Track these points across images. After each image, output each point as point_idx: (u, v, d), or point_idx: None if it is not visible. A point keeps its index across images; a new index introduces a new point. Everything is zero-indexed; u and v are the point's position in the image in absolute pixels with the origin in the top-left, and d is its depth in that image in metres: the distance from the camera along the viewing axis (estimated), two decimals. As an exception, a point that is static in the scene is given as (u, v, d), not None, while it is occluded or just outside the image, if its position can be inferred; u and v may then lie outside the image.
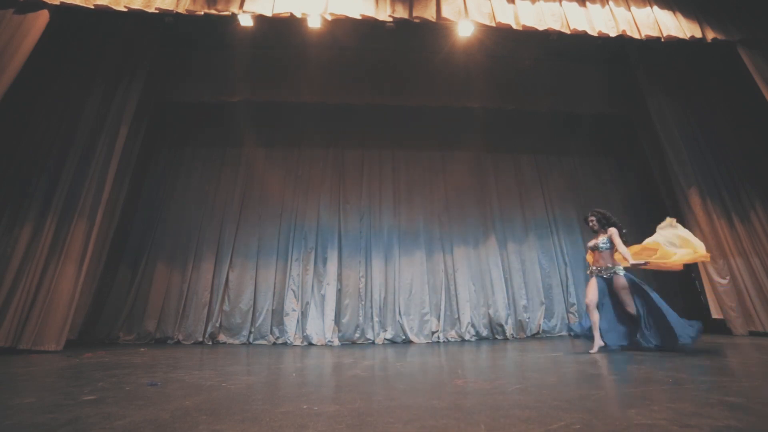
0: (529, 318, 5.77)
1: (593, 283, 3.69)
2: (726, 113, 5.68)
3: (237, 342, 5.32)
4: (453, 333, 5.56)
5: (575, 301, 5.94)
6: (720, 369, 2.47)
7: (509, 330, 5.60)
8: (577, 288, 6.02)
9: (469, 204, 6.50)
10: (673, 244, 3.45)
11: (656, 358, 2.94)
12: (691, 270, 5.72)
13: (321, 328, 5.40)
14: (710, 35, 5.07)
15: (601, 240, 3.75)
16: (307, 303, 5.59)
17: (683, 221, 5.48)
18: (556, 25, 4.83)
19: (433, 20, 4.68)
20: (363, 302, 5.66)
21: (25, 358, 3.52)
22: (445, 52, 5.90)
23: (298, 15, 4.55)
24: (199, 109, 6.37)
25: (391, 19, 4.69)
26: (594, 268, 3.80)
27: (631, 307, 3.53)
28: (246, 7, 4.57)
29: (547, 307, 5.92)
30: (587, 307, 3.64)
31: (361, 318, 5.55)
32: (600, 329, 3.57)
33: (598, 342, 3.49)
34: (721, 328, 4.91)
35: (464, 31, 5.03)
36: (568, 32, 4.85)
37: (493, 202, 6.55)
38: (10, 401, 1.84)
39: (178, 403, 1.75)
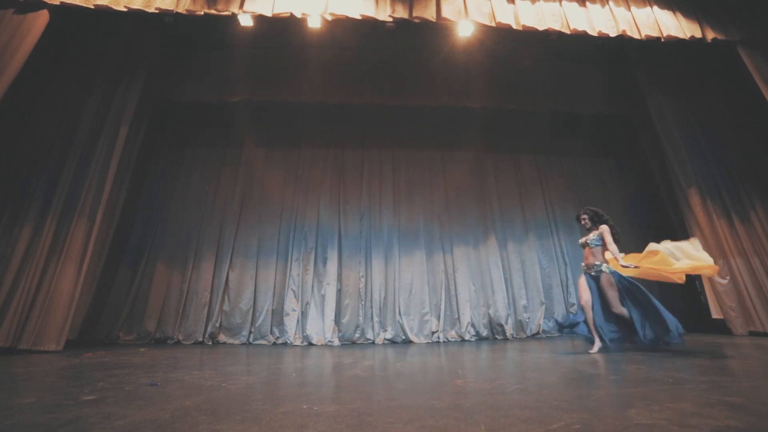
0: (529, 318, 5.77)
1: (583, 283, 3.69)
2: (726, 113, 5.68)
3: (237, 342, 5.32)
4: (453, 333, 5.56)
5: (575, 301, 5.94)
6: (720, 369, 2.46)
7: (509, 330, 5.60)
8: (577, 288, 6.01)
9: (469, 204, 6.50)
10: (673, 255, 3.39)
11: (656, 358, 2.94)
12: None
13: (321, 328, 5.40)
14: (710, 35, 5.07)
15: (592, 236, 3.72)
16: (307, 303, 5.59)
17: (683, 221, 5.49)
18: (556, 25, 4.83)
19: (433, 20, 4.68)
20: (363, 302, 5.66)
21: (25, 358, 3.52)
22: (445, 52, 5.90)
23: (298, 15, 4.55)
24: (199, 109, 6.37)
25: (391, 19, 4.69)
26: (583, 265, 3.79)
27: (617, 308, 3.49)
28: (246, 7, 4.57)
29: (547, 307, 5.92)
30: (582, 308, 3.63)
31: (361, 318, 5.55)
32: (589, 326, 3.57)
33: (598, 343, 3.49)
34: (721, 328, 4.91)
35: (464, 31, 5.03)
36: (568, 32, 4.85)
37: (493, 202, 6.55)
38: (10, 401, 1.84)
39: (178, 403, 1.75)
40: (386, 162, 6.65)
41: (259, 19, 4.77)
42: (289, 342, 5.28)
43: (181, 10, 4.51)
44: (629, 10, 5.08)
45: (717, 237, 5.09)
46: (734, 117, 5.64)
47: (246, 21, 4.80)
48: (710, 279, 5.03)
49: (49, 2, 4.33)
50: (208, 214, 6.11)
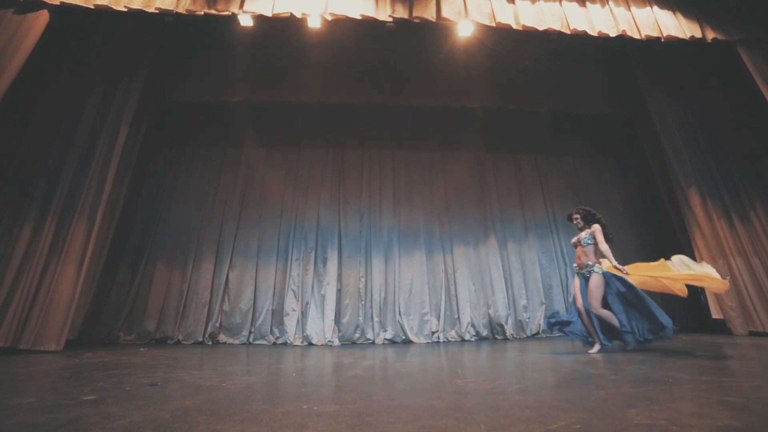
0: (529, 318, 5.77)
1: (577, 285, 3.68)
2: (726, 113, 5.68)
3: (237, 342, 5.32)
4: (453, 333, 5.56)
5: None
6: (720, 369, 2.46)
7: (509, 330, 5.60)
8: (576, 288, 6.02)
9: (469, 204, 6.50)
10: (681, 265, 3.36)
11: (656, 358, 2.94)
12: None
13: (321, 328, 5.40)
14: (710, 35, 5.07)
15: (584, 235, 3.70)
16: (307, 303, 5.59)
17: (683, 221, 5.49)
18: (556, 25, 4.83)
19: (433, 20, 4.68)
20: (363, 302, 5.66)
21: (25, 358, 3.52)
22: (445, 52, 5.90)
23: (298, 15, 4.55)
24: (199, 109, 6.37)
25: (391, 19, 4.69)
26: (576, 265, 3.78)
27: (596, 309, 3.45)
28: (246, 7, 4.57)
29: (547, 307, 5.92)
30: (578, 311, 3.62)
31: (361, 318, 5.55)
32: (588, 328, 3.56)
33: (598, 343, 3.49)
34: (721, 328, 4.91)
35: (464, 31, 5.02)
36: (568, 32, 4.85)
37: (493, 202, 6.55)
38: (10, 401, 1.84)
39: (178, 403, 1.75)
40: (386, 162, 6.65)
41: (259, 19, 4.77)
42: (289, 342, 5.28)
43: (181, 10, 4.51)
44: (629, 10, 5.08)
45: (717, 237, 5.09)
46: (734, 117, 5.64)
47: (246, 21, 4.80)
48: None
49: (49, 2, 4.33)
50: (208, 214, 6.11)
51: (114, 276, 5.61)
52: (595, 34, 4.88)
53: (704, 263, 3.41)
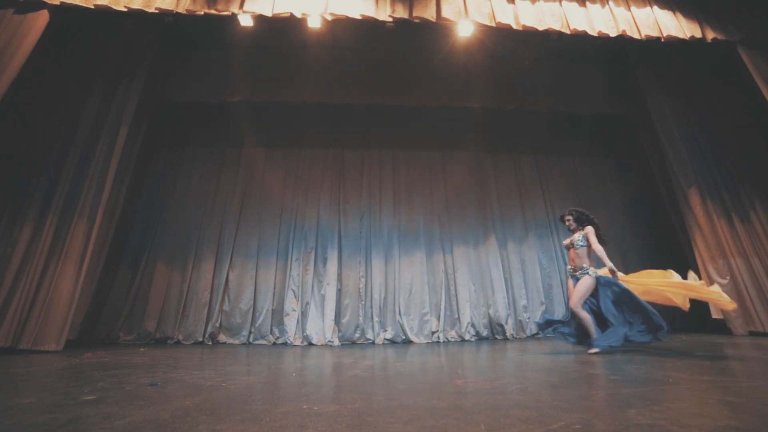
0: (529, 318, 5.77)
1: (571, 287, 3.66)
2: (726, 113, 5.68)
3: (237, 342, 5.32)
4: (453, 333, 5.56)
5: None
6: (720, 369, 2.46)
7: (509, 330, 5.60)
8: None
9: (469, 204, 6.50)
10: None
11: (656, 358, 2.94)
12: (691, 269, 5.71)
13: (321, 328, 5.40)
14: (710, 35, 5.07)
15: (577, 237, 3.67)
16: (307, 303, 5.59)
17: (683, 221, 5.49)
18: (556, 25, 4.83)
19: (433, 20, 4.68)
20: (363, 302, 5.66)
21: (25, 358, 3.52)
22: (445, 52, 5.90)
23: (298, 15, 4.55)
24: (199, 109, 6.37)
25: (391, 19, 4.69)
26: (569, 268, 3.75)
27: (576, 307, 3.43)
28: (246, 7, 4.57)
29: (547, 307, 5.91)
30: (574, 310, 3.60)
31: (361, 318, 5.55)
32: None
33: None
34: (721, 328, 4.91)
35: (464, 31, 5.02)
36: (568, 32, 4.85)
37: (493, 202, 6.55)
38: (10, 401, 1.84)
39: (178, 403, 1.75)
40: (386, 162, 6.65)
41: (259, 19, 4.77)
42: (289, 342, 5.28)
43: (181, 10, 4.51)
44: (629, 10, 5.08)
45: (717, 237, 5.09)
46: (734, 117, 5.64)
47: (246, 21, 4.80)
48: (710, 279, 5.03)
49: (49, 2, 4.33)
50: (208, 214, 6.11)
51: (114, 276, 5.61)
52: (595, 34, 4.88)
53: (715, 286, 3.37)
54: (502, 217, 6.47)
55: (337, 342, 5.27)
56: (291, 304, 5.58)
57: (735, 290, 4.87)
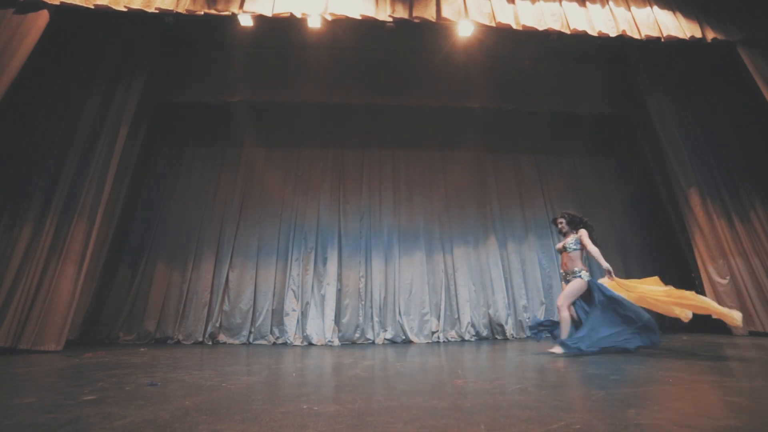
0: (529, 318, 5.76)
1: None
2: (726, 113, 5.68)
3: (237, 342, 5.32)
4: (453, 333, 5.56)
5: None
6: (720, 369, 2.46)
7: (509, 330, 5.60)
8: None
9: (469, 204, 6.50)
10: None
11: (656, 358, 2.94)
12: (691, 270, 5.72)
13: (321, 328, 5.40)
14: (710, 35, 5.07)
15: (570, 240, 3.65)
16: (307, 303, 5.59)
17: (683, 221, 5.49)
18: (556, 25, 4.83)
19: (433, 20, 4.68)
20: (363, 302, 5.66)
21: (25, 358, 3.52)
22: (445, 52, 5.90)
23: (298, 15, 4.55)
24: (199, 109, 6.37)
25: (391, 19, 4.69)
26: (562, 272, 3.72)
27: (562, 307, 3.41)
28: (246, 7, 4.57)
29: (547, 307, 5.91)
30: (572, 317, 3.56)
31: (361, 318, 5.55)
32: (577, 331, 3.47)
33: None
34: (721, 328, 4.90)
35: (464, 31, 5.02)
36: (568, 32, 4.85)
37: (493, 202, 6.55)
38: (10, 401, 1.84)
39: (178, 403, 1.75)
40: (386, 162, 6.65)
41: (259, 19, 4.77)
42: (289, 342, 5.28)
43: (181, 10, 4.51)
44: (629, 10, 5.08)
45: (717, 237, 5.09)
46: (734, 117, 5.64)
47: (246, 21, 4.80)
48: (710, 279, 5.04)
49: (49, 2, 4.33)
50: (208, 214, 6.11)
51: (114, 276, 5.61)
52: (595, 34, 4.88)
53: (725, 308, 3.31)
54: (502, 217, 6.47)
55: (337, 342, 5.27)
56: (291, 304, 5.58)
57: (735, 290, 4.87)
